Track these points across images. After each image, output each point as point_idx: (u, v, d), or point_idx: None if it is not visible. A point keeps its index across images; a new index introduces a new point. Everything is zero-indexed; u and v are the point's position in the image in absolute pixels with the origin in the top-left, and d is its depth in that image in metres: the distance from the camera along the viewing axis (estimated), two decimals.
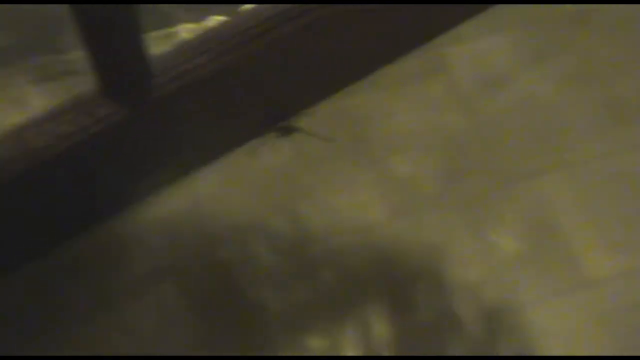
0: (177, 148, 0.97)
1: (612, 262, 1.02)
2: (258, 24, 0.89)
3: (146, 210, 1.02)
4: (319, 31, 0.95)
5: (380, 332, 0.97)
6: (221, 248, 1.01)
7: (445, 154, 1.08)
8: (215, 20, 1.07)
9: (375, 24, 1.03)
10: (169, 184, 1.03)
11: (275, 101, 1.04)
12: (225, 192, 1.04)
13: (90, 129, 0.82)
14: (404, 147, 1.08)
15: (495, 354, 0.97)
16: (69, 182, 0.89)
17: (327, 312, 0.99)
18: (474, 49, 1.15)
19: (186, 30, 1.08)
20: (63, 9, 0.77)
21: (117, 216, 1.01)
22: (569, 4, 1.16)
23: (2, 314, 0.96)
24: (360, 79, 1.11)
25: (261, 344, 0.97)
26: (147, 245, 1.01)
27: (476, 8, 1.14)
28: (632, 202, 1.06)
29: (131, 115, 0.85)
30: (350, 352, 0.96)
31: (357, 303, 0.99)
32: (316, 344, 0.97)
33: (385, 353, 0.97)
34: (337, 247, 1.02)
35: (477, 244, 1.03)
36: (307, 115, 1.08)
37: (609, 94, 1.13)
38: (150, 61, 0.84)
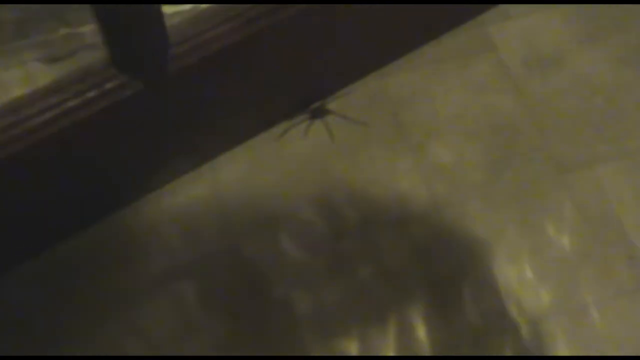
0: (197, 129, 0.88)
1: None
2: None
3: (162, 200, 0.92)
4: (354, 4, 0.85)
5: (422, 335, 0.87)
6: (245, 243, 0.91)
7: (492, 139, 0.97)
8: None
9: None
10: (188, 170, 0.93)
11: (306, 80, 0.94)
12: (250, 180, 0.94)
13: (98, 103, 0.73)
14: (446, 132, 0.98)
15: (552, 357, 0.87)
16: (74, 165, 0.79)
17: (362, 313, 0.89)
18: (522, 26, 1.04)
19: None
20: None
21: (130, 206, 0.92)
22: None
23: (7, 312, 0.86)
24: (398, 58, 1.01)
25: (290, 351, 0.87)
26: (163, 240, 0.91)
27: None
28: None
29: (145, 90, 0.75)
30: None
31: (395, 303, 0.89)
32: (351, 348, 0.87)
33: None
34: (373, 241, 0.92)
35: (529, 238, 0.93)
36: (341, 97, 0.98)
37: None
38: (167, 29, 0.74)
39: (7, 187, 0.76)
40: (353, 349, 0.87)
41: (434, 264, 0.91)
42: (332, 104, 0.98)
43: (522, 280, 0.90)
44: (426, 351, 0.87)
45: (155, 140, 0.84)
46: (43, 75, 0.90)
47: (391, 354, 0.87)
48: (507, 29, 1.04)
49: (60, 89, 0.73)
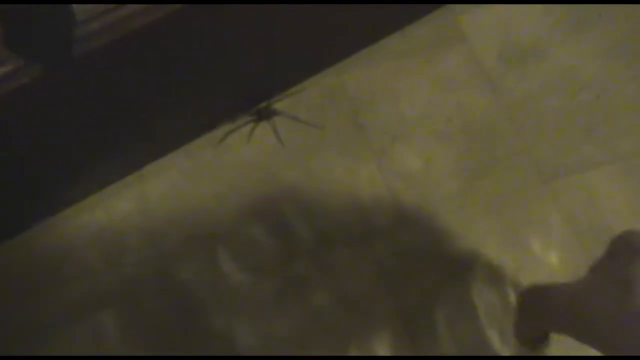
0: (117, 131, 0.74)
1: None
2: None
3: (80, 216, 0.78)
4: None
5: None
6: (178, 265, 0.77)
7: (467, 142, 0.84)
8: None
9: None
10: (111, 181, 0.79)
11: (250, 76, 0.81)
12: (184, 191, 0.80)
13: None
14: (413, 135, 0.85)
15: None
16: None
17: (318, 346, 0.75)
18: (497, 14, 0.92)
19: None
20: None
21: (42, 223, 0.77)
22: None
23: None
24: (356, 52, 0.88)
25: None
26: (81, 262, 0.77)
27: None
28: None
29: (44, 77, 0.61)
30: None
31: (357, 335, 0.75)
32: None
33: None
34: (331, 262, 0.78)
35: (512, 255, 0.79)
36: (291, 96, 0.85)
37: None
38: (72, 5, 0.61)
39: None
40: None
41: (402, 287, 0.77)
42: (281, 104, 0.84)
43: (505, 305, 0.76)
44: None
45: (65, 142, 0.70)
46: None
47: None
48: (479, 17, 0.91)
49: None
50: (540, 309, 0.62)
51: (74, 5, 0.62)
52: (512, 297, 0.77)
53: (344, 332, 0.75)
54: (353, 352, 0.75)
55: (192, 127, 0.81)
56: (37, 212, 0.76)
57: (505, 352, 0.74)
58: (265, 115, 0.83)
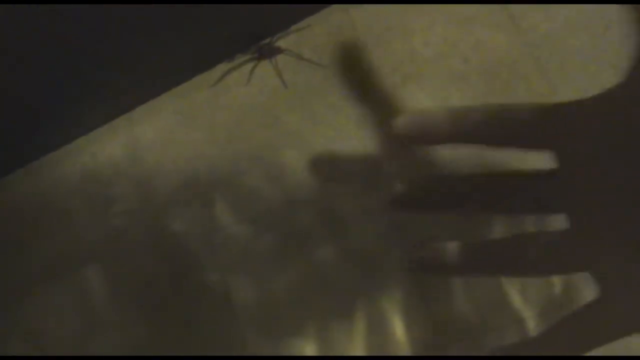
0: (103, 67, 0.67)
1: None
2: None
3: (64, 161, 0.72)
4: None
5: (398, 332, 0.68)
6: (170, 215, 0.71)
7: (486, 83, 0.77)
8: None
9: None
10: (97, 124, 0.73)
11: (251, 10, 0.74)
12: (177, 136, 0.74)
13: None
14: (428, 75, 0.77)
15: None
16: None
17: (321, 304, 0.69)
18: None
19: None
20: None
21: (23, 168, 0.71)
22: None
23: None
24: None
25: (226, 352, 0.67)
26: (62, 212, 0.71)
27: None
28: None
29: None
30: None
31: (364, 292, 0.69)
32: (306, 349, 0.67)
33: None
34: (334, 213, 0.72)
35: None
36: (295, 33, 0.78)
37: None
38: None
39: None
40: (309, 350, 0.67)
41: (414, 241, 0.71)
42: (284, 41, 0.77)
43: None
44: (403, 352, 0.67)
45: (44, 80, 0.64)
46: None
47: (359, 354, 0.67)
48: None
49: None
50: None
51: None
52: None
53: (349, 288, 0.69)
54: (359, 310, 0.69)
55: (186, 66, 0.75)
56: (14, 158, 0.70)
57: (528, 312, 0.68)
58: (267, 53, 0.76)
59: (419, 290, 0.69)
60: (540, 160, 0.53)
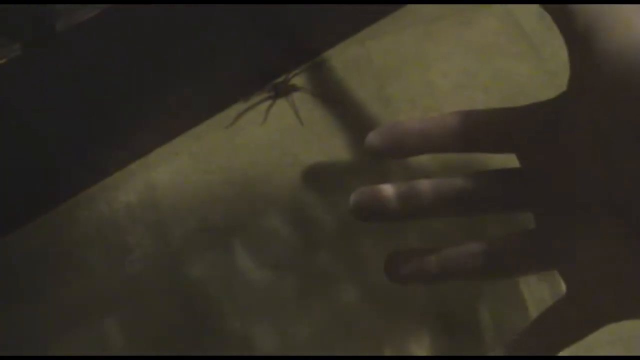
0: (117, 114, 0.66)
1: None
2: None
3: (77, 209, 0.70)
4: None
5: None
6: (188, 261, 0.69)
7: None
8: None
9: None
10: (113, 170, 0.71)
11: (264, 49, 0.72)
12: (193, 179, 0.72)
13: None
14: (447, 108, 0.76)
15: None
16: None
17: (346, 349, 0.67)
18: None
19: None
20: None
21: (34, 221, 0.70)
22: None
23: None
24: (384, 16, 0.79)
25: None
26: (79, 261, 0.69)
27: None
28: None
29: (25, 57, 0.53)
30: None
31: (391, 336, 0.67)
32: None
33: None
34: (355, 253, 0.70)
35: None
36: (310, 70, 0.76)
37: None
38: None
39: None
40: None
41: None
42: (299, 78, 0.76)
43: (557, 293, 0.67)
44: None
45: (57, 129, 0.62)
46: None
47: None
48: None
49: None
50: None
51: None
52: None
53: (374, 332, 0.67)
54: (387, 354, 0.66)
55: (201, 108, 0.73)
56: (31, 207, 0.69)
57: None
58: (282, 91, 0.75)
59: (448, 330, 0.67)
60: (506, 161, 0.52)
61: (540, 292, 0.67)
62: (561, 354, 0.62)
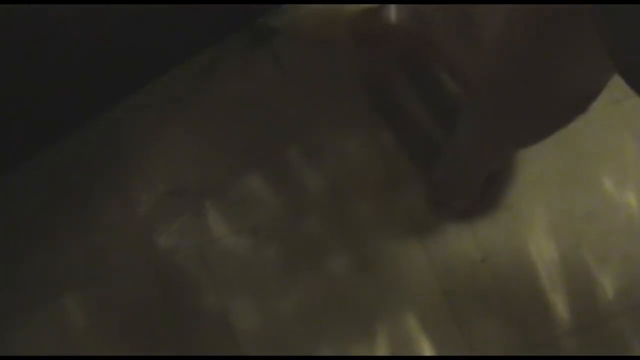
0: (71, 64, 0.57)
1: None
2: None
3: (37, 171, 0.63)
4: None
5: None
6: (156, 230, 0.62)
7: None
8: None
9: None
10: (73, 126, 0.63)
11: None
12: (162, 138, 0.64)
13: None
14: None
15: None
16: None
17: (333, 326, 0.60)
18: None
19: None
20: None
21: None
22: None
23: None
24: None
25: None
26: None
27: None
28: None
29: None
30: None
31: (384, 310, 0.60)
32: None
33: None
34: (346, 218, 0.63)
35: (582, 193, 0.63)
36: (293, 10, 0.68)
37: None
38: None
39: None
40: None
41: (438, 245, 0.62)
42: (281, 19, 0.67)
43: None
44: None
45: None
46: None
47: None
48: None
49: None
50: None
51: None
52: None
53: (367, 306, 0.60)
54: (381, 332, 0.60)
55: (169, 53, 0.65)
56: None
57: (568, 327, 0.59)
58: (262, 35, 0.67)
59: (449, 303, 0.60)
60: None
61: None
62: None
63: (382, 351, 0.59)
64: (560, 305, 0.61)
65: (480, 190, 0.60)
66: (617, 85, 0.38)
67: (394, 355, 0.59)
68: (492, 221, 0.63)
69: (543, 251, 0.62)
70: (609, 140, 0.64)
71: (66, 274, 0.60)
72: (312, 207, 0.62)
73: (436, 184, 0.61)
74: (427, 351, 0.59)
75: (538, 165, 0.64)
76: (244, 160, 0.63)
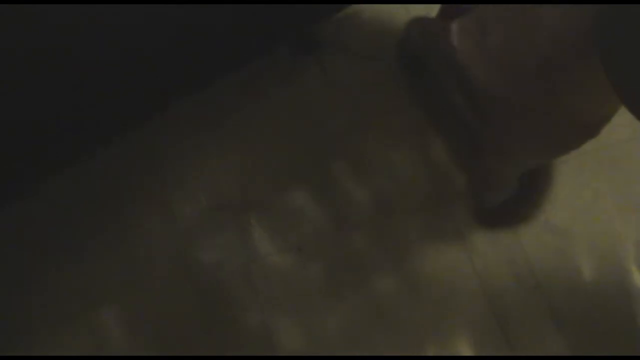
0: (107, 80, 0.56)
1: None
2: None
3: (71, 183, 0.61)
4: None
5: None
6: (198, 246, 0.60)
7: None
8: None
9: None
10: (107, 140, 0.62)
11: None
12: (205, 151, 0.63)
13: None
14: None
15: None
16: None
17: (381, 344, 0.57)
18: None
19: None
20: None
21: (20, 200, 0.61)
22: None
23: None
24: None
25: None
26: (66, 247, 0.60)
27: None
28: None
29: None
30: None
31: (433, 329, 0.58)
32: None
33: None
34: (394, 235, 0.60)
35: (631, 218, 0.60)
36: (341, 22, 0.66)
37: None
38: None
39: None
40: None
41: (490, 269, 0.59)
42: (327, 32, 0.66)
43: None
44: None
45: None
46: None
47: None
48: None
49: None
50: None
51: None
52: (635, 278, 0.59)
53: (416, 327, 0.58)
54: (428, 352, 0.57)
55: (212, 67, 0.63)
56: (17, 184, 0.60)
57: None
58: (309, 47, 0.65)
59: (500, 326, 0.57)
60: None
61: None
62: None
63: None
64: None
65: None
66: None
67: None
68: (545, 246, 0.60)
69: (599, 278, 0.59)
70: None
71: (104, 285, 0.58)
72: (358, 223, 0.60)
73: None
74: None
75: (592, 187, 0.61)
76: (289, 174, 0.61)
